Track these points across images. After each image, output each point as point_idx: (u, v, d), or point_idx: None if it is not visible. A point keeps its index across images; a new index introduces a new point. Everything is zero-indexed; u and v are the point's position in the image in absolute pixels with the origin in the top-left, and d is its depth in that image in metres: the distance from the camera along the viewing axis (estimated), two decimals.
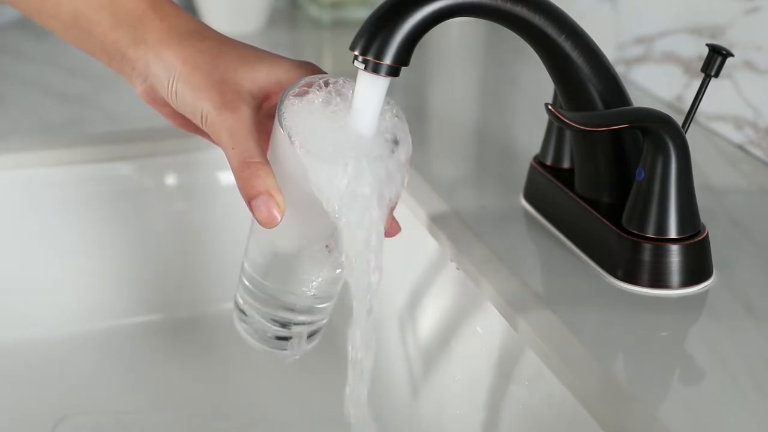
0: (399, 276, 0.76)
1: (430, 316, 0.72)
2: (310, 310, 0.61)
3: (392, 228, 0.60)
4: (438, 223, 0.71)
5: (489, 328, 0.64)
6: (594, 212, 0.64)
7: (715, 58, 0.62)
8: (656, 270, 0.60)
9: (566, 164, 0.70)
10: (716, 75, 0.63)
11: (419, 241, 0.73)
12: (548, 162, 0.71)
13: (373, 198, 0.55)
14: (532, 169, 0.72)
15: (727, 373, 0.54)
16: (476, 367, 0.66)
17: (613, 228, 0.61)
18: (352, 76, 0.57)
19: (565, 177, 0.69)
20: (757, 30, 0.80)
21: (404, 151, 0.56)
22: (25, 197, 0.87)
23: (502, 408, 0.63)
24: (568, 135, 0.69)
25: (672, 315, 0.59)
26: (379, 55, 0.55)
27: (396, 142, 0.56)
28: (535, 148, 0.73)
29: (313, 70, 0.61)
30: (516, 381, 0.62)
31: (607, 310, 0.60)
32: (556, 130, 0.70)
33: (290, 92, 0.57)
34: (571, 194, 0.66)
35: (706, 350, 0.56)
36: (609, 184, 0.64)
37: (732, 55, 0.62)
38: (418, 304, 0.74)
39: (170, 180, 0.90)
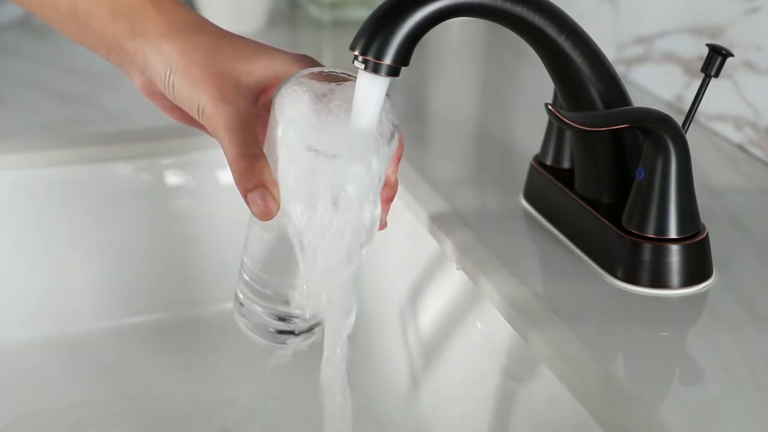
0: (399, 276, 0.76)
1: (430, 316, 0.72)
2: None
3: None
4: (438, 222, 0.71)
5: (489, 327, 0.64)
6: (594, 212, 0.64)
7: (715, 58, 0.62)
8: (656, 270, 0.60)
9: (566, 164, 0.70)
10: (716, 75, 0.63)
11: (419, 241, 0.73)
12: (548, 162, 0.70)
13: (355, 195, 0.55)
14: (532, 169, 0.72)
15: (727, 373, 0.54)
16: (476, 367, 0.66)
17: (613, 228, 0.61)
18: (351, 69, 0.57)
19: (565, 177, 0.68)
20: (757, 30, 0.80)
21: (394, 148, 0.57)
22: (25, 197, 0.87)
23: (501, 407, 0.63)
24: (568, 135, 0.69)
25: (672, 315, 0.59)
26: (379, 55, 0.55)
27: (390, 140, 0.56)
28: (535, 148, 0.73)
29: (311, 63, 0.61)
30: (516, 380, 0.61)
31: (607, 310, 0.60)
32: (556, 130, 0.70)
33: (287, 84, 0.57)
34: (571, 194, 0.66)
35: (706, 350, 0.56)
36: (609, 184, 0.64)
37: (732, 55, 0.62)
38: (418, 303, 0.74)
39: (170, 180, 0.90)
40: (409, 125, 0.88)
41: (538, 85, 0.95)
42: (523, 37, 0.60)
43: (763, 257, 0.66)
